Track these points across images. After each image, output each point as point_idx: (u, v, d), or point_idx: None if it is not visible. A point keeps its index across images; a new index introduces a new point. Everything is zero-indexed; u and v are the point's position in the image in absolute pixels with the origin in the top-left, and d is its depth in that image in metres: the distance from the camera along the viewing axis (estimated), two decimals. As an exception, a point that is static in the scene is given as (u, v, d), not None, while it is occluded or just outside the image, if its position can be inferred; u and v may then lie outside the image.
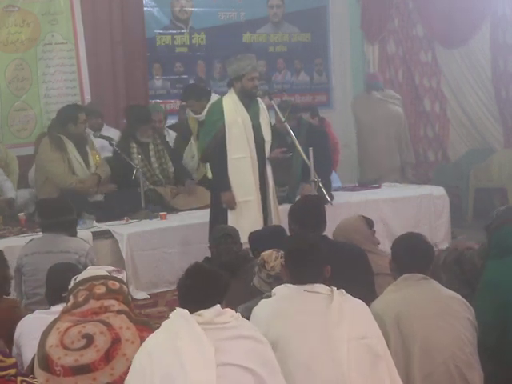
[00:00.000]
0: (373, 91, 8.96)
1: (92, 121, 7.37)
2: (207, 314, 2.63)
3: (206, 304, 2.65)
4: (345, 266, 3.77)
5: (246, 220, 5.62)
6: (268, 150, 5.80)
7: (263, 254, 3.77)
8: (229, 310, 2.70)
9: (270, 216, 5.79)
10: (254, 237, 5.04)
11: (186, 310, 2.64)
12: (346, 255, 3.92)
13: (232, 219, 5.62)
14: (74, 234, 4.82)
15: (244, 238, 5.06)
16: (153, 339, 2.62)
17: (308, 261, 3.07)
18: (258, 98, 5.83)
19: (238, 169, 5.67)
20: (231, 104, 5.68)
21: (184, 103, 7.54)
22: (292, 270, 3.10)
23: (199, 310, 2.64)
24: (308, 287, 2.99)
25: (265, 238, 4.76)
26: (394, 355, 3.02)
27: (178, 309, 2.67)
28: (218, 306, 2.68)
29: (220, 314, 2.66)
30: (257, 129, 5.72)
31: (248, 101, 5.71)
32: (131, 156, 6.73)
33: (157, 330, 2.65)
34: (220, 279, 2.75)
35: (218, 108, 5.69)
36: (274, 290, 3.06)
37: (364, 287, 3.72)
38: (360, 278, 3.84)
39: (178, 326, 2.58)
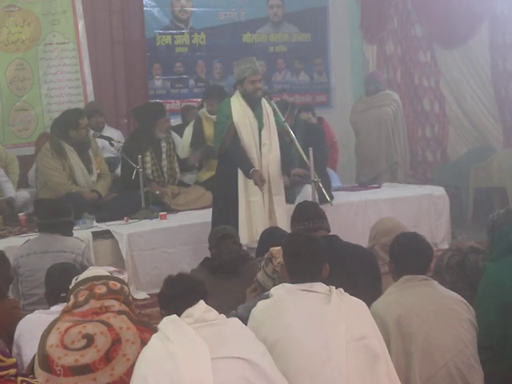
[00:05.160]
0: (369, 95, 8.89)
1: (94, 120, 7.36)
2: (195, 311, 2.68)
3: (189, 303, 2.70)
4: (353, 266, 3.79)
5: (254, 219, 5.69)
6: (265, 153, 5.79)
7: (272, 248, 3.76)
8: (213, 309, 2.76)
9: (274, 218, 5.80)
10: None
11: (174, 315, 2.68)
12: (354, 256, 3.91)
13: (242, 218, 5.66)
14: (70, 235, 4.83)
15: (251, 238, 5.46)
16: (149, 348, 2.63)
17: (306, 259, 3.05)
18: (263, 100, 5.83)
19: None
20: (238, 106, 5.72)
21: (193, 103, 7.56)
22: (291, 269, 3.09)
23: (185, 310, 2.68)
24: (306, 286, 2.98)
25: (261, 240, 4.76)
26: (394, 356, 3.02)
27: (166, 317, 2.71)
28: (202, 301, 2.73)
29: (208, 311, 2.72)
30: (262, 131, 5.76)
31: (253, 103, 5.73)
32: (143, 154, 6.65)
33: (150, 340, 2.67)
34: (199, 282, 2.85)
35: (227, 108, 5.73)
36: (271, 291, 3.04)
37: (371, 288, 3.72)
38: (367, 279, 3.82)
39: (168, 331, 2.61)
